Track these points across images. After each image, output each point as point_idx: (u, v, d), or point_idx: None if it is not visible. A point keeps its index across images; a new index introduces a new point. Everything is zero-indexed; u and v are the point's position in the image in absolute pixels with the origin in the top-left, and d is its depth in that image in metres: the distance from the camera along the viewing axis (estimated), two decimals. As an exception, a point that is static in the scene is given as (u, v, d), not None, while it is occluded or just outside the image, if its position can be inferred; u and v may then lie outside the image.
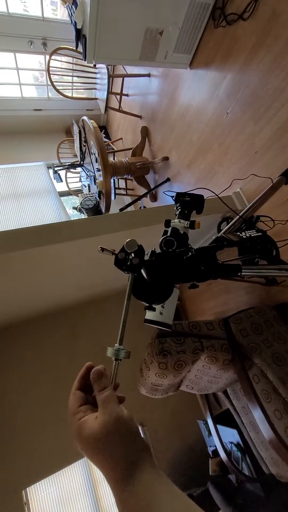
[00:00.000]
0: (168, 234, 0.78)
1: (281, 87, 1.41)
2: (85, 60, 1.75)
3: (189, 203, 0.73)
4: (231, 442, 1.81)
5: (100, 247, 0.58)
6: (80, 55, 1.86)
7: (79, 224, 1.30)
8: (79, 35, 1.68)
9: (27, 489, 1.89)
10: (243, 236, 0.80)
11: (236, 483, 1.72)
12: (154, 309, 0.69)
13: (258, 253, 0.85)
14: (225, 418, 1.82)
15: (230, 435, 1.81)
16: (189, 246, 0.70)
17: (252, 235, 0.80)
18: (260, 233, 0.81)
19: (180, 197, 0.74)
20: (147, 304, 0.65)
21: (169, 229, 0.79)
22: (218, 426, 1.74)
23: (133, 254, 0.55)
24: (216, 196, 0.85)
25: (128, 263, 0.53)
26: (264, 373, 1.33)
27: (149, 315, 0.68)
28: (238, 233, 0.80)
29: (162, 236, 0.76)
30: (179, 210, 0.73)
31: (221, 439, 1.66)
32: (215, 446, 1.74)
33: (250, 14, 1.49)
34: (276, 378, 1.27)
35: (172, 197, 0.74)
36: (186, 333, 1.40)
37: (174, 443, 2.25)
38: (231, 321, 1.48)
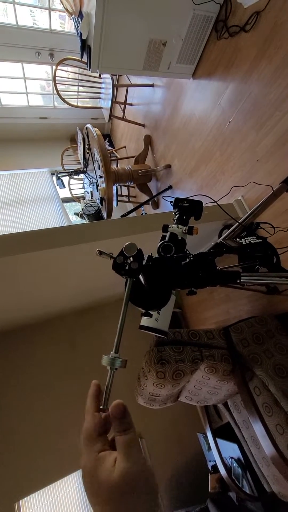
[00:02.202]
0: (167, 239, 0.77)
1: (282, 97, 1.42)
2: (89, 70, 1.78)
3: (188, 209, 0.72)
4: (232, 458, 1.74)
5: (98, 250, 0.56)
6: (85, 65, 1.90)
7: (77, 229, 1.30)
8: (84, 46, 1.72)
9: (20, 501, 1.83)
10: (243, 243, 0.78)
11: (237, 501, 1.64)
12: (150, 316, 0.67)
13: (258, 260, 0.83)
14: (226, 432, 1.76)
15: (231, 449, 1.75)
16: (187, 251, 0.69)
17: (252, 241, 0.79)
18: (260, 240, 0.79)
19: (178, 203, 0.73)
20: (144, 311, 0.63)
21: (168, 234, 0.77)
22: (218, 440, 1.68)
23: (131, 258, 0.53)
24: (216, 203, 0.84)
25: (127, 268, 0.51)
26: (265, 385, 1.29)
27: (144, 321, 0.66)
28: (238, 239, 0.79)
29: (160, 241, 0.75)
30: (177, 215, 0.72)
31: (220, 454, 1.60)
32: (215, 461, 1.67)
33: (252, 26, 1.52)
34: (278, 390, 1.23)
35: (171, 202, 0.73)
36: (185, 342, 1.37)
37: (173, 457, 2.17)
38: (232, 330, 1.44)
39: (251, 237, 0.81)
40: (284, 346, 1.41)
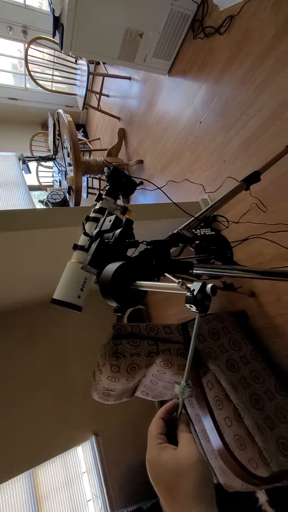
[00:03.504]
0: (123, 226, 0.75)
1: (250, 101, 1.47)
2: (61, 50, 1.70)
3: (123, 185, 0.71)
4: (184, 452, 1.77)
5: (181, 280, 0.47)
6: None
7: (35, 214, 1.22)
8: (57, 24, 1.63)
9: None
10: (198, 234, 0.79)
11: (186, 495, 1.67)
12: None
13: (213, 252, 0.84)
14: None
15: (184, 444, 1.77)
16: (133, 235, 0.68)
17: (206, 233, 0.79)
18: (213, 232, 0.80)
19: (116, 174, 0.71)
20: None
21: (124, 220, 0.75)
22: (172, 435, 1.70)
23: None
24: (172, 202, 0.83)
25: (202, 305, 0.45)
26: (217, 379, 1.32)
27: (59, 295, 0.62)
28: (193, 230, 0.79)
29: (111, 227, 0.72)
30: (109, 187, 0.71)
31: (173, 448, 1.61)
32: (168, 456, 1.68)
33: (226, 29, 1.55)
34: (228, 384, 1.27)
35: (109, 169, 0.70)
36: (142, 336, 1.35)
37: (129, 453, 2.16)
38: (190, 325, 1.46)
39: (206, 229, 0.81)
40: (238, 342, 1.46)
